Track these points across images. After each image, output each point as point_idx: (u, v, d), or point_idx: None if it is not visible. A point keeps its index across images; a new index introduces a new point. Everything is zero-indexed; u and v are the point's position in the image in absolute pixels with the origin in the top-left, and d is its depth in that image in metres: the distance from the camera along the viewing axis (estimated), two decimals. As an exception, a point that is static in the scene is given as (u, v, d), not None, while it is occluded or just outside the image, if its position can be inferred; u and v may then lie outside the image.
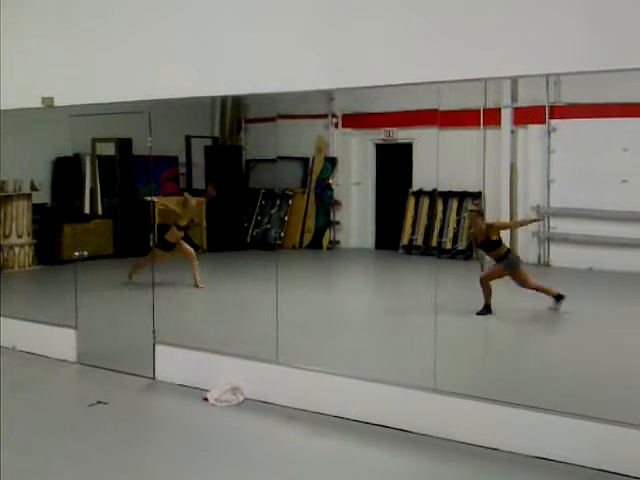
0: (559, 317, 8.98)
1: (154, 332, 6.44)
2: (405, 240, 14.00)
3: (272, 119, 15.31)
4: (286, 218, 15.16)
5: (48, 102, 7.07)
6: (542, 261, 12.76)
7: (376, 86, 5.46)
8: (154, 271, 6.71)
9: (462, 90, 12.93)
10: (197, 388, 6.05)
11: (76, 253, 7.21)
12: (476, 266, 10.46)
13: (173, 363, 6.33)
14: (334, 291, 10.34)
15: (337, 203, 15.12)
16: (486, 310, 9.05)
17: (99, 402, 5.68)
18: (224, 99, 15.69)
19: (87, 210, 14.01)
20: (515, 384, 5.80)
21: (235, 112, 15.98)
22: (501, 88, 13.11)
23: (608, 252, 11.72)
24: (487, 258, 9.64)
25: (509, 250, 9.69)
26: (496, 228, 9.55)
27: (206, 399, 5.86)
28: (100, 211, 14.17)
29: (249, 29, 5.92)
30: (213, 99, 15.02)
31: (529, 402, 4.91)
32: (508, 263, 9.36)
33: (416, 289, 10.58)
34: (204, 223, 13.51)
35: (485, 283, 9.17)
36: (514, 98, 13.15)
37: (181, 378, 6.24)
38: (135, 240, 13.38)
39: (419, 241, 13.86)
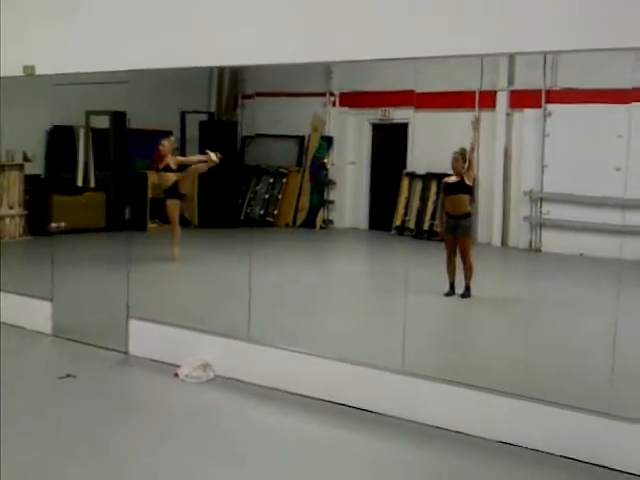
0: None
1: (128, 306, 6.41)
2: (398, 222, 13.94)
3: (269, 94, 15.26)
4: (280, 196, 15.10)
5: (29, 71, 7.01)
6: (533, 246, 12.71)
7: (367, 60, 5.32)
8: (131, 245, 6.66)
9: (457, 71, 12.90)
10: (169, 364, 6.03)
11: (53, 225, 7.16)
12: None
13: (146, 338, 6.32)
14: (319, 270, 10.32)
15: (332, 182, 15.05)
16: (452, 290, 8.78)
17: (68, 375, 5.66)
18: (221, 74, 15.62)
19: (80, 182, 13.97)
20: (484, 368, 5.79)
21: (232, 87, 15.89)
22: (497, 70, 13.00)
23: (600, 239, 11.67)
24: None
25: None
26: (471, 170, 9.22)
27: (177, 375, 5.84)
28: (93, 184, 14.13)
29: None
30: (210, 73, 14.96)
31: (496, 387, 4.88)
32: (466, 224, 9.00)
33: (400, 270, 10.52)
34: (195, 198, 13.45)
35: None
36: (511, 81, 13.03)
37: (154, 353, 6.23)
38: (124, 214, 13.39)
39: (411, 223, 13.79)
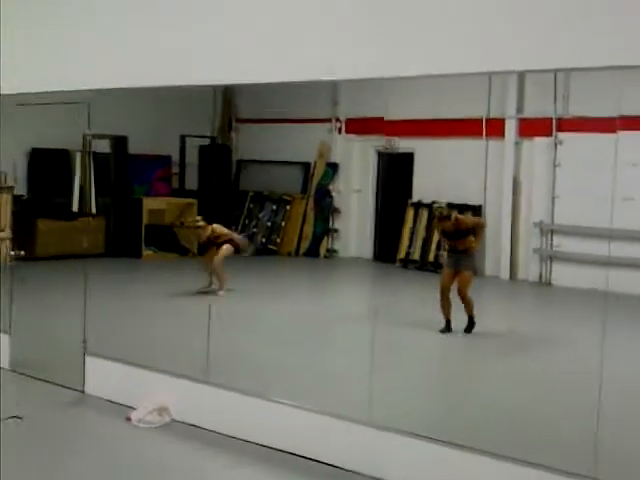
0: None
1: (84, 342, 5.98)
2: (402, 253, 13.51)
3: (273, 121, 14.93)
4: (283, 224, 14.72)
5: (-7, 90, 6.65)
6: (543, 280, 12.20)
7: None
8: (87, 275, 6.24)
9: (464, 98, 12.49)
10: (126, 405, 5.56)
11: (12, 252, 6.78)
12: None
13: (103, 376, 5.87)
14: (313, 303, 9.82)
15: (336, 210, 14.68)
16: (448, 327, 8.24)
17: (14, 417, 5.23)
18: (214, 96, 15.33)
19: (75, 207, 13.68)
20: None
21: (225, 110, 15.56)
22: (506, 97, 12.60)
23: (614, 273, 11.11)
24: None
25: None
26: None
27: (129, 419, 5.37)
28: (93, 209, 13.83)
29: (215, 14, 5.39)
30: (213, 96, 14.67)
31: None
32: (468, 259, 8.45)
33: (397, 306, 10.04)
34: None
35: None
36: (519, 108, 12.62)
37: (110, 393, 5.77)
38: (123, 240, 13.07)
39: (416, 255, 13.35)
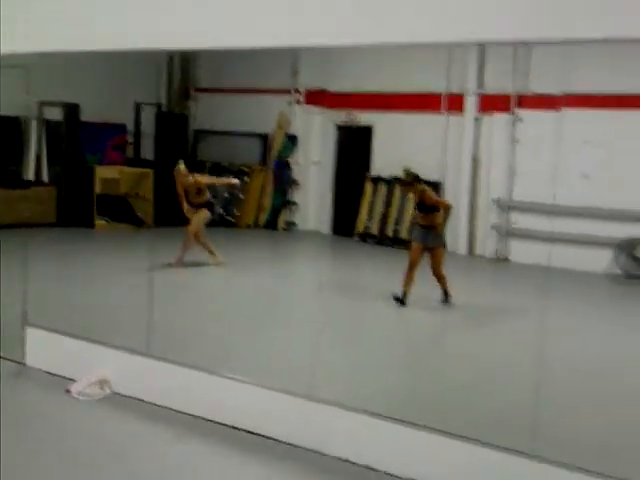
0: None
1: (25, 313, 5.80)
2: (360, 227, 13.45)
3: (232, 90, 14.70)
4: (241, 196, 14.53)
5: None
6: (500, 256, 12.25)
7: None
8: (28, 245, 6.03)
9: (424, 72, 12.38)
10: (67, 378, 5.40)
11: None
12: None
13: (44, 348, 5.69)
14: (266, 277, 9.68)
15: (295, 183, 14.56)
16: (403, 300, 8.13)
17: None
18: (170, 63, 15.07)
19: (31, 176, 13.38)
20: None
21: (183, 78, 15.29)
22: (466, 73, 12.55)
23: (569, 250, 11.20)
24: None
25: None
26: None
27: (68, 391, 5.22)
28: (46, 178, 13.53)
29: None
30: (159, 62, 14.37)
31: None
32: (438, 234, 8.28)
33: (348, 281, 9.99)
34: (151, 196, 12.85)
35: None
36: (480, 84, 12.58)
37: (51, 365, 5.59)
38: (75, 209, 12.79)
39: (374, 229, 13.31)
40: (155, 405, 5.09)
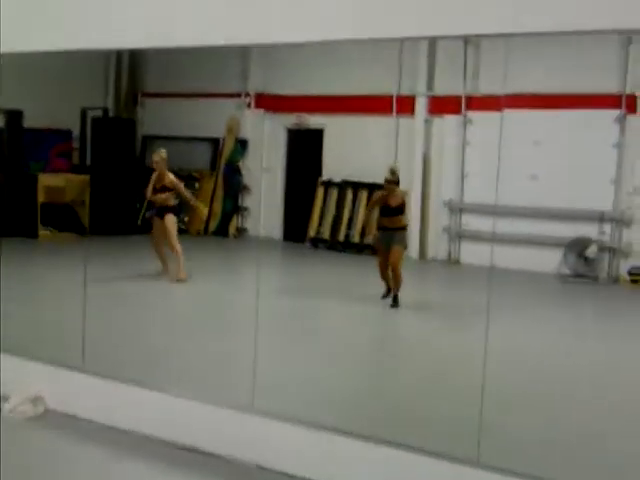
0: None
1: (-45, 328, 5.53)
2: (312, 232, 13.30)
3: (179, 95, 14.46)
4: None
5: None
6: (452, 258, 12.20)
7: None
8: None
9: (374, 74, 12.30)
10: (4, 396, 5.16)
11: None
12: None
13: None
14: (212, 286, 9.43)
15: (246, 188, 14.33)
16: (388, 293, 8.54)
17: None
18: (118, 66, 14.78)
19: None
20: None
21: (131, 83, 15.01)
22: (416, 75, 12.49)
23: (518, 250, 11.19)
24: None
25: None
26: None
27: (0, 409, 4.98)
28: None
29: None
30: (106, 65, 14.11)
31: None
32: (401, 236, 8.66)
33: (297, 289, 9.84)
34: (87, 202, 12.52)
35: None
36: (430, 86, 12.53)
37: (-17, 383, 5.35)
38: (17, 219, 12.42)
39: (326, 234, 13.18)
40: (92, 422, 4.88)
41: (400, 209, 8.63)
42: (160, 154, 9.60)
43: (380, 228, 8.83)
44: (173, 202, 9.72)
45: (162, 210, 9.51)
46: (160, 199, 9.50)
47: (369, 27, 4.14)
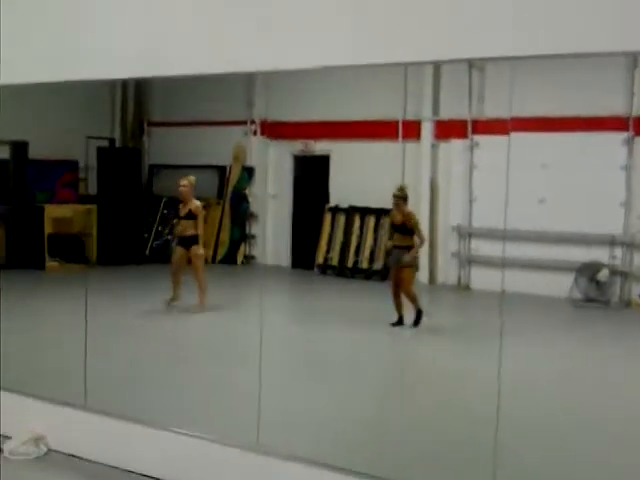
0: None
1: (-45, 368, 5.45)
2: (320, 259, 13.20)
3: (185, 124, 14.45)
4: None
5: None
6: (462, 283, 12.05)
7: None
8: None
9: (380, 100, 12.27)
10: (5, 436, 5.07)
11: None
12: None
13: (-23, 405, 5.34)
14: (218, 317, 9.30)
15: (253, 216, 14.26)
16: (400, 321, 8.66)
17: None
18: (124, 95, 14.80)
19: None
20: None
21: (137, 112, 15.02)
22: (422, 99, 12.43)
23: (529, 275, 11.07)
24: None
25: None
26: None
27: (1, 450, 4.88)
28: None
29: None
30: (112, 94, 14.13)
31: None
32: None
33: (308, 316, 9.73)
34: (94, 232, 12.48)
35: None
36: (435, 110, 12.46)
37: (-16, 423, 5.25)
38: (24, 250, 12.39)
39: (334, 260, 13.08)
40: (95, 463, 4.77)
41: (406, 227, 8.77)
42: (189, 179, 9.56)
43: (392, 248, 9.11)
44: (194, 232, 9.58)
45: (186, 240, 9.39)
46: (183, 227, 9.41)
47: (369, 52, 4.07)
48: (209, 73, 4.73)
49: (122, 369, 6.56)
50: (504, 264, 11.07)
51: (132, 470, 4.60)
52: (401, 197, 8.93)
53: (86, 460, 4.76)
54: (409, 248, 8.81)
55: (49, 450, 4.88)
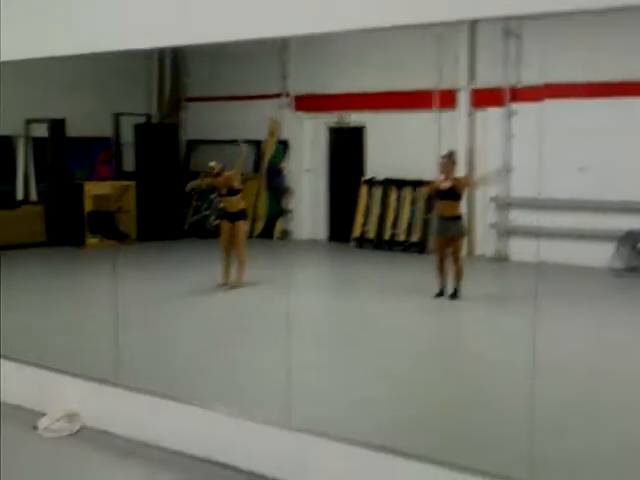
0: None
1: (-4, 344, 5.51)
2: (357, 232, 13.14)
3: (220, 98, 14.42)
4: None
5: None
6: (500, 254, 11.89)
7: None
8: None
9: (415, 70, 12.09)
10: (40, 412, 5.12)
11: None
12: (429, 261, 9.55)
13: (17, 381, 5.40)
14: (254, 294, 9.22)
15: (289, 190, 14.22)
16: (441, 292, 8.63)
17: None
18: (161, 72, 14.83)
19: (20, 196, 13.17)
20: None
21: (174, 88, 15.04)
22: (457, 67, 12.22)
23: (571, 245, 10.90)
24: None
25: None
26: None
27: (35, 427, 4.92)
28: (34, 196, 13.28)
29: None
30: (149, 71, 14.14)
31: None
32: (458, 226, 8.72)
33: (344, 293, 9.66)
34: (134, 209, 12.55)
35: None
36: (472, 79, 12.25)
37: (24, 399, 5.31)
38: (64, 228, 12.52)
39: (371, 233, 13.00)
40: (128, 439, 4.79)
41: (455, 192, 8.66)
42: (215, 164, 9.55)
43: (437, 218, 9.03)
44: (243, 206, 9.53)
45: (232, 215, 9.37)
46: (232, 203, 9.39)
47: (401, 13, 3.93)
48: (240, 39, 4.60)
49: (157, 344, 6.58)
50: (542, 234, 10.92)
51: (164, 446, 4.60)
52: (450, 160, 8.84)
53: (119, 437, 4.78)
54: (456, 218, 8.70)
55: (82, 427, 4.92)
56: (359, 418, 4.74)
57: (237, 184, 9.36)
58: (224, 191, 9.40)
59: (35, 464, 4.53)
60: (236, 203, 9.36)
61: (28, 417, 5.09)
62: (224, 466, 4.36)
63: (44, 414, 5.07)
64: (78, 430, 4.92)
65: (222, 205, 9.61)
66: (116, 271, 5.35)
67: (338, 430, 4.08)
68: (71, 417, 4.94)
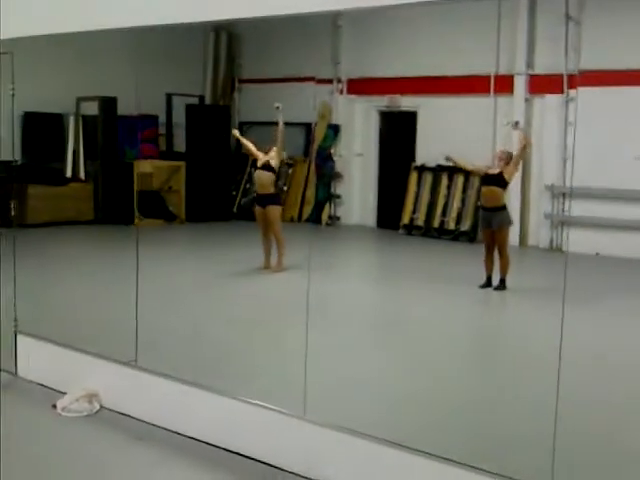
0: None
1: (15, 320, 5.42)
2: (406, 219, 12.86)
3: (272, 80, 14.22)
4: (285, 188, 14.01)
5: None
6: (554, 245, 11.49)
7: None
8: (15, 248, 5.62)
9: (471, 53, 11.70)
10: (59, 391, 5.00)
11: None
12: (478, 250, 9.21)
13: (35, 358, 5.30)
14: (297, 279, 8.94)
15: (338, 175, 13.99)
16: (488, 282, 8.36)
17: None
18: (216, 52, 14.72)
19: (69, 173, 13.20)
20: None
21: (228, 69, 14.92)
22: (515, 52, 11.83)
23: (629, 237, 10.50)
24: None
25: None
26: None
27: (54, 406, 4.81)
28: (82, 174, 13.29)
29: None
30: (204, 51, 14.02)
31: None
32: (502, 216, 8.40)
33: (391, 281, 9.40)
34: (183, 190, 12.45)
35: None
36: (529, 64, 11.84)
37: (42, 377, 5.21)
38: (113, 206, 12.49)
39: (420, 221, 12.70)
40: (146, 423, 4.64)
41: (502, 179, 8.32)
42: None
43: (481, 208, 8.76)
44: (273, 190, 9.28)
45: (263, 199, 9.14)
46: (262, 180, 9.14)
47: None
48: (291, 13, 4.34)
49: (189, 328, 6.42)
50: (600, 225, 10.52)
51: (181, 432, 4.44)
52: (509, 154, 8.51)
53: (137, 419, 4.63)
54: (500, 209, 8.35)
55: (101, 407, 4.78)
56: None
57: (274, 162, 9.10)
58: (259, 164, 9.18)
59: (53, 444, 4.41)
60: (266, 183, 9.06)
61: (50, 396, 4.98)
62: (245, 457, 4.17)
63: (63, 393, 4.95)
64: (97, 411, 4.79)
65: (254, 182, 9.35)
66: (137, 248, 5.17)
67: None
68: (91, 397, 4.80)
